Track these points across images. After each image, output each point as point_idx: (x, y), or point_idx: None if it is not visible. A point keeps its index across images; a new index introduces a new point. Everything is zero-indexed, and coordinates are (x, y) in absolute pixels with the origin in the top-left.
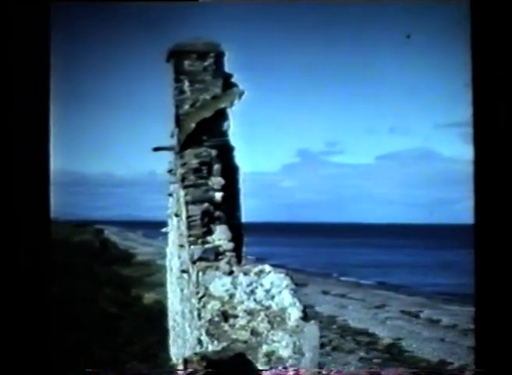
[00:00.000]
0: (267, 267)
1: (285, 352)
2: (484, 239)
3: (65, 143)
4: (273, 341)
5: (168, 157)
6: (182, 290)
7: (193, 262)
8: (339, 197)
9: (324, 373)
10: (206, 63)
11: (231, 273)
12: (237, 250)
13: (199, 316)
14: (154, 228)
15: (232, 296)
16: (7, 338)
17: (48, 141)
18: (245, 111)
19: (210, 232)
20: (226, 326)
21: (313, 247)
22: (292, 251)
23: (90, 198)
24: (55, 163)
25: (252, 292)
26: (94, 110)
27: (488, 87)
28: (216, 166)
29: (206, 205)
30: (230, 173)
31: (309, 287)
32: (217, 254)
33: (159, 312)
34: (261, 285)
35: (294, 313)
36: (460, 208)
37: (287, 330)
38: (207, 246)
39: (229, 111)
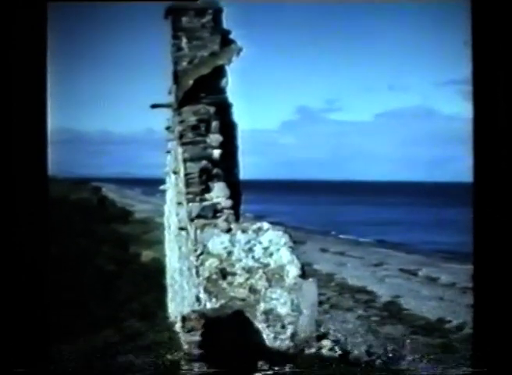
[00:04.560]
0: (265, 225)
1: (283, 310)
2: (483, 197)
3: (63, 101)
4: (271, 299)
5: (166, 114)
6: (180, 247)
7: (192, 220)
8: (339, 154)
9: None
10: (204, 20)
11: (229, 230)
12: (235, 207)
13: (197, 273)
14: (153, 185)
15: (230, 254)
16: (5, 297)
17: (46, 99)
18: (243, 68)
19: (208, 189)
20: (224, 284)
21: (311, 204)
22: (290, 209)
23: (87, 156)
24: (52, 121)
25: (250, 250)
26: (91, 67)
27: (488, 44)
28: (214, 123)
29: (204, 162)
30: (228, 130)
31: (307, 244)
32: (215, 211)
33: (157, 270)
34: (260, 243)
35: (292, 271)
36: (460, 167)
37: (285, 287)
38: (205, 204)
39: (227, 68)
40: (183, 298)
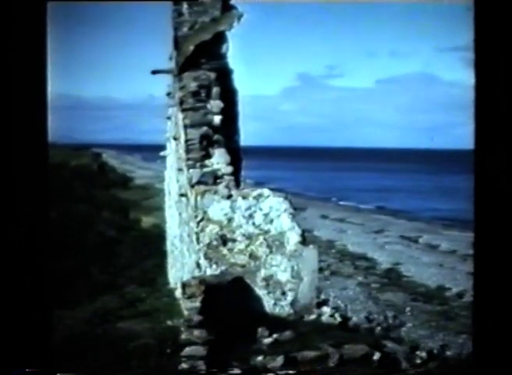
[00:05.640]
0: (266, 191)
1: (283, 276)
2: (484, 164)
3: (63, 66)
4: (272, 265)
5: (166, 80)
6: (180, 214)
7: (192, 186)
8: (339, 121)
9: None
10: None
11: (230, 196)
12: (236, 174)
13: (197, 239)
14: (153, 152)
15: (230, 220)
16: (5, 263)
17: (46, 64)
18: (244, 34)
19: (208, 156)
20: (225, 250)
21: (312, 171)
22: (291, 175)
23: (87, 122)
24: (53, 87)
25: (251, 216)
26: (92, 32)
27: (491, 11)
28: (215, 89)
29: (205, 128)
30: (229, 96)
31: (308, 211)
32: (215, 178)
33: (157, 236)
34: (260, 209)
35: (293, 237)
36: (461, 133)
37: (286, 254)
38: (205, 170)
39: (227, 33)
40: (183, 264)
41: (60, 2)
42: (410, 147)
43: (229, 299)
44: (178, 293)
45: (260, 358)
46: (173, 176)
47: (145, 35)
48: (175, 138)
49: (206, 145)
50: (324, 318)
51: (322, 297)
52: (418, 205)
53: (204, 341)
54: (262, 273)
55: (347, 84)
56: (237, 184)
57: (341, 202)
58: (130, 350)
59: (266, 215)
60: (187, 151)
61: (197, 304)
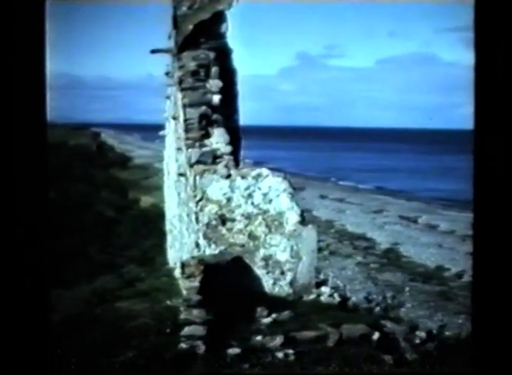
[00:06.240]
0: (265, 171)
1: (282, 256)
2: (483, 145)
3: (62, 46)
4: (271, 245)
5: (165, 59)
6: (179, 193)
7: (191, 166)
8: (339, 100)
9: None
10: None
11: (229, 176)
12: (235, 153)
13: (196, 219)
14: (152, 131)
15: (229, 200)
16: (3, 243)
17: (44, 43)
18: (243, 13)
19: (208, 135)
20: (224, 230)
21: (311, 151)
22: (290, 155)
23: (86, 101)
24: (52, 67)
25: (250, 196)
26: (90, 12)
27: None
28: (214, 69)
29: (204, 108)
30: (228, 75)
31: (307, 191)
32: (215, 157)
33: (156, 216)
34: (259, 189)
35: (292, 217)
36: (460, 114)
37: (285, 234)
38: (204, 149)
39: (227, 13)
40: (182, 244)
41: None
42: (409, 127)
43: (228, 279)
44: (177, 273)
45: (259, 337)
46: (172, 156)
47: (144, 14)
48: (174, 118)
49: (205, 125)
50: (323, 298)
51: (321, 277)
52: (418, 185)
53: (203, 321)
54: (261, 252)
55: (346, 64)
56: (236, 164)
57: (340, 182)
58: (129, 330)
59: (265, 194)
60: (186, 130)
61: (196, 283)
